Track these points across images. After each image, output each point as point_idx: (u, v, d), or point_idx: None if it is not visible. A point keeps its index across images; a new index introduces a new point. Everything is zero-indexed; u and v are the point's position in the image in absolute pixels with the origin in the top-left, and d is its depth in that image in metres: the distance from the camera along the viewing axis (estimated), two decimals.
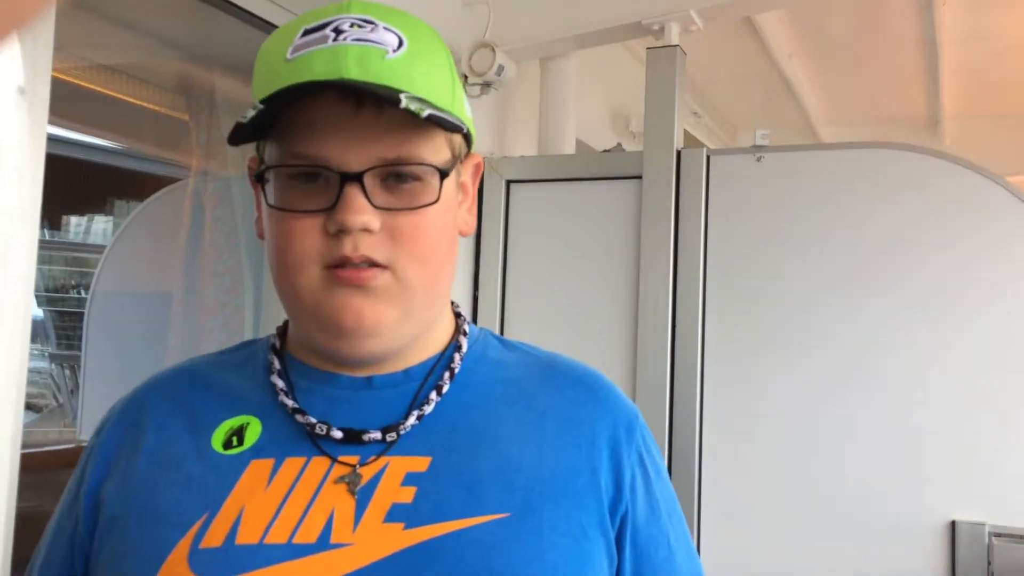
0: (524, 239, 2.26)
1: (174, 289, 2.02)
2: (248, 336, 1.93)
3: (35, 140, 0.79)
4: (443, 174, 0.74)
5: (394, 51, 0.72)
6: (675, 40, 2.10)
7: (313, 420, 0.74)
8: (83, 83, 2.26)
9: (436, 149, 0.75)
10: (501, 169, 2.28)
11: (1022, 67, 3.54)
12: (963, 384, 1.80)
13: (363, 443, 0.74)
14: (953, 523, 1.77)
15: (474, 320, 2.27)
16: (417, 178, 0.73)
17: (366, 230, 0.70)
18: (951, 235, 1.85)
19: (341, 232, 0.70)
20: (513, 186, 2.28)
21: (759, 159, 2.00)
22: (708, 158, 2.05)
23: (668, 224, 2.04)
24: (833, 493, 1.87)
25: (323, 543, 0.69)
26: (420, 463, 0.73)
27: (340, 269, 0.71)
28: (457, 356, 0.81)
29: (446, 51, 0.79)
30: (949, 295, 1.83)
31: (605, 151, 2.44)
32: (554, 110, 2.42)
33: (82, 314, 2.81)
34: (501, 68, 2.12)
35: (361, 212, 0.70)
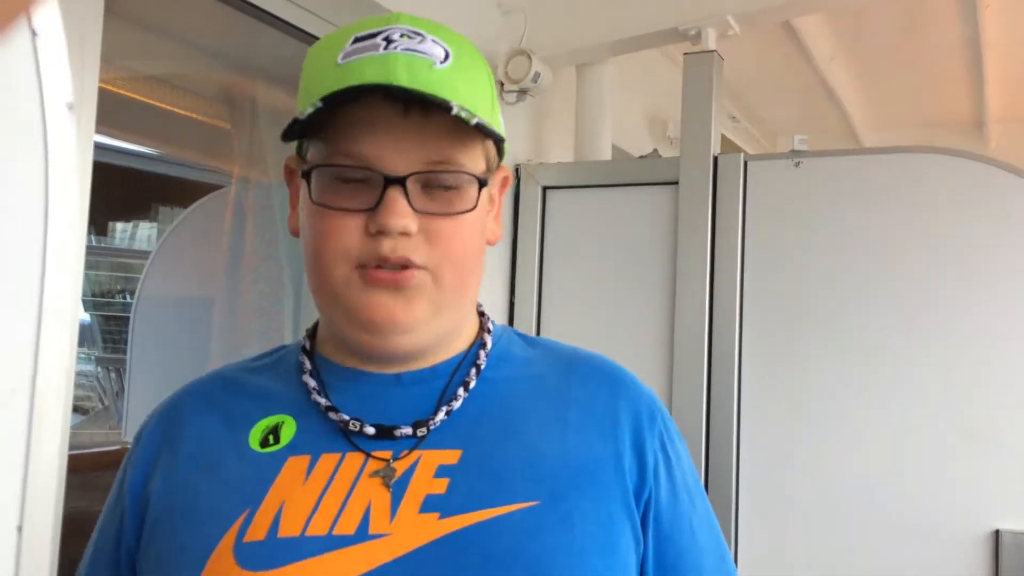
0: (560, 245, 2.27)
1: (216, 295, 2.06)
2: (288, 341, 1.97)
3: (83, 154, 0.81)
4: (482, 183, 0.77)
5: (441, 63, 0.74)
6: (712, 45, 2.10)
7: (346, 417, 0.77)
8: (129, 93, 2.31)
9: (474, 159, 0.78)
10: (537, 175, 2.29)
11: None
12: (1008, 390, 1.77)
13: (395, 438, 0.76)
14: (997, 532, 1.73)
15: (511, 325, 2.29)
16: (455, 186, 0.76)
17: (404, 233, 0.73)
18: (995, 240, 1.82)
19: (381, 233, 0.73)
20: (549, 192, 2.29)
21: (797, 164, 1.99)
22: (745, 164, 2.04)
23: (705, 230, 2.04)
24: (874, 499, 1.84)
25: (362, 534, 0.71)
26: (451, 456, 0.75)
27: (374, 270, 0.74)
28: (482, 353, 0.83)
29: (486, 66, 0.82)
30: (994, 301, 1.80)
31: (641, 157, 2.44)
32: (590, 116, 2.43)
33: (127, 318, 2.87)
34: (537, 75, 2.13)
35: (402, 215, 0.72)
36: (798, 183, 1.98)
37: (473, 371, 0.82)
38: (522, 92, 2.16)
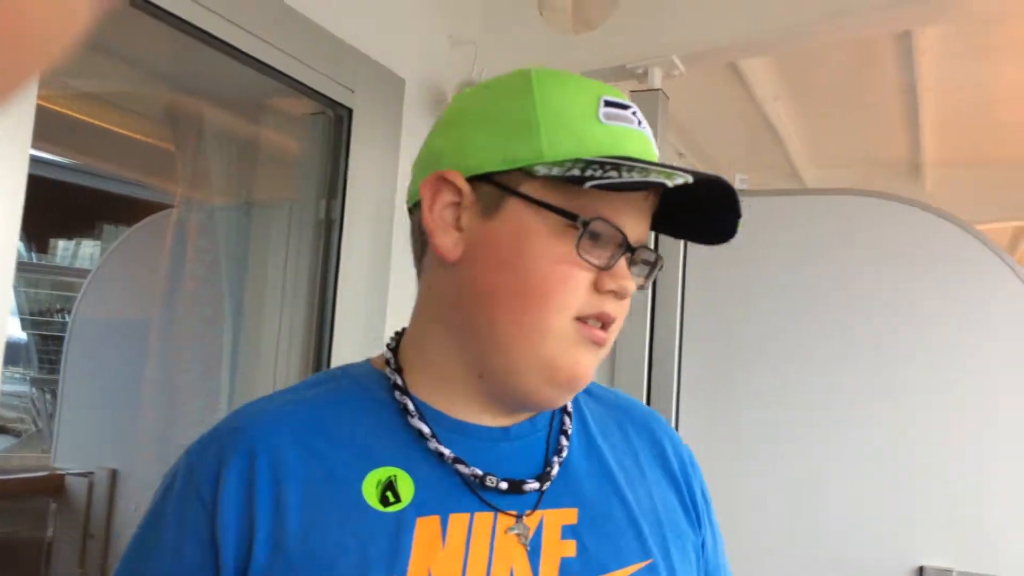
0: None
1: (153, 318, 2.02)
2: (225, 369, 1.93)
3: (13, 179, 0.79)
4: (661, 265, 0.82)
5: (656, 152, 0.82)
6: (658, 84, 2.14)
7: (480, 472, 0.75)
8: (74, 113, 2.27)
9: None
10: None
11: (998, 117, 3.60)
12: (931, 431, 1.82)
13: (523, 493, 0.76)
14: (921, 569, 1.77)
15: None
16: (639, 263, 0.80)
17: (624, 297, 0.77)
18: (925, 283, 1.88)
19: (612, 292, 0.75)
20: None
21: None
22: None
23: None
24: (803, 536, 1.87)
25: None
26: (570, 515, 0.77)
27: (591, 328, 0.76)
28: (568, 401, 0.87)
29: None
30: (918, 343, 1.86)
31: None
32: None
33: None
34: None
35: (632, 281, 0.77)
36: None
37: (567, 418, 0.84)
38: None
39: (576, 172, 0.72)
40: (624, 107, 0.79)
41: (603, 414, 0.89)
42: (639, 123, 0.80)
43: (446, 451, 0.76)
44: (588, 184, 0.71)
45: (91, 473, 2.43)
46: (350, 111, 1.91)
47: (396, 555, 0.70)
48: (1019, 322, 1.82)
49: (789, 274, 1.98)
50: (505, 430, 0.80)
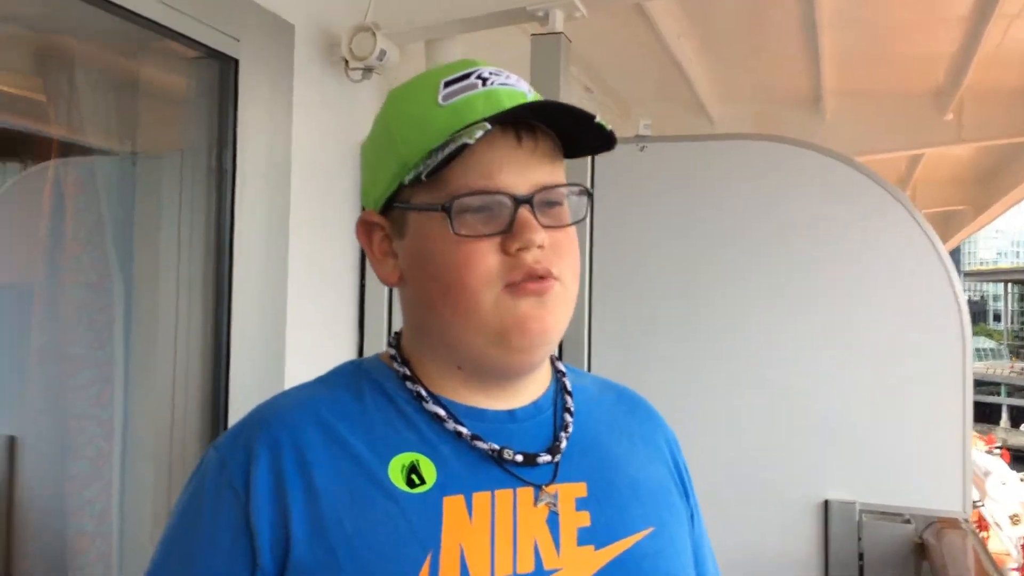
0: None
1: (35, 284, 1.90)
2: (118, 336, 1.84)
3: None
4: (590, 194, 0.84)
5: (529, 94, 0.83)
6: (559, 27, 2.09)
7: (496, 446, 0.81)
8: None
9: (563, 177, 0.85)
10: None
11: (892, 49, 3.69)
12: (836, 371, 1.88)
13: (536, 465, 0.82)
14: (826, 502, 1.85)
15: (361, 333, 2.23)
16: (560, 201, 0.82)
17: (540, 246, 0.78)
18: (824, 223, 1.92)
19: (522, 250, 0.77)
20: None
21: (642, 149, 2.02)
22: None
23: None
24: (715, 474, 1.92)
25: (540, 570, 0.77)
26: (580, 489, 0.83)
27: (524, 285, 0.78)
28: (566, 381, 0.92)
29: None
30: (823, 282, 1.90)
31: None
32: None
33: None
34: (383, 53, 2.07)
35: (538, 230, 0.78)
36: (642, 167, 2.02)
37: (568, 398, 0.89)
38: (367, 70, 2.09)
39: (421, 168, 0.77)
40: (464, 77, 0.81)
41: (599, 397, 0.94)
42: (484, 81, 0.81)
43: (464, 430, 0.80)
44: (424, 177, 0.77)
45: None
46: (236, 61, 1.80)
47: (429, 532, 0.76)
48: (908, 247, 1.87)
49: (693, 217, 1.99)
50: (511, 413, 0.84)
